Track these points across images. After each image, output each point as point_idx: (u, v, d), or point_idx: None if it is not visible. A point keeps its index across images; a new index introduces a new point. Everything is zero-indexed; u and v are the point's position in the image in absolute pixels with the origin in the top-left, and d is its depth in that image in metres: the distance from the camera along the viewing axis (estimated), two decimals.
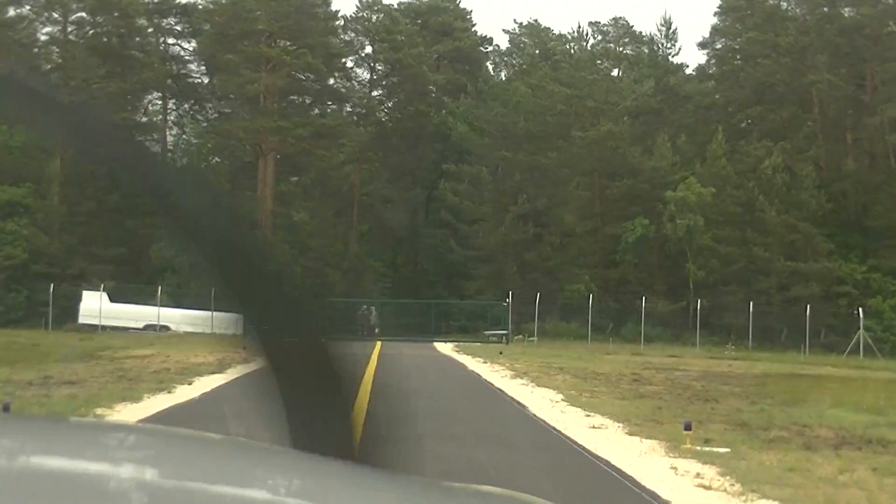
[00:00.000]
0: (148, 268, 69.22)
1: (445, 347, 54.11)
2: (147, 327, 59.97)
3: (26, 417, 2.62)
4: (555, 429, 16.49)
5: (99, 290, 60.28)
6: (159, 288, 61.73)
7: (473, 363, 38.10)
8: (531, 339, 62.18)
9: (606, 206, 75.70)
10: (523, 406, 20.37)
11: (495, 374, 30.78)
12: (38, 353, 35.04)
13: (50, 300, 59.74)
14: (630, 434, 16.08)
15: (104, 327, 59.15)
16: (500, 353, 43.12)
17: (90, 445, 1.56)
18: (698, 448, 14.31)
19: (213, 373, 26.80)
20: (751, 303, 62.70)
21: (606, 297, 69.49)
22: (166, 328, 60.56)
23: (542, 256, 73.79)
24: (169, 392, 21.59)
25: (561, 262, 73.72)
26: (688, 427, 14.48)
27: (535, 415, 18.75)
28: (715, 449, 14.37)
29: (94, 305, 59.84)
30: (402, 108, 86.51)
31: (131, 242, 68.97)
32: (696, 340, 61.92)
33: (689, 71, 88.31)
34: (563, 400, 21.96)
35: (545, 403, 21.13)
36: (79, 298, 61.21)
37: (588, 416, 18.79)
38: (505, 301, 64.46)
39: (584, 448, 14.32)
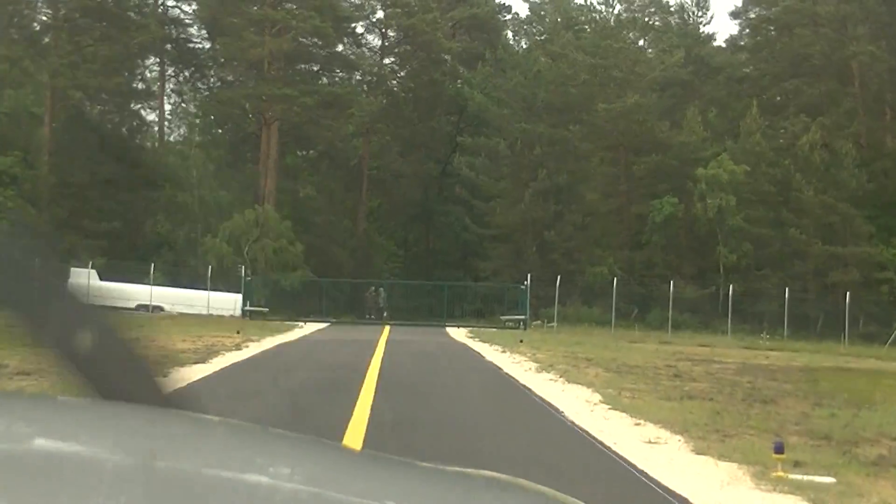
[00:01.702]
0: (143, 244, 67.11)
1: (459, 333, 51.72)
2: (139, 307, 57.43)
3: (16, 396, 2.41)
4: (602, 444, 13.50)
5: (87, 268, 57.90)
6: (152, 265, 59.27)
7: (491, 352, 35.43)
8: (550, 324, 59.66)
9: (632, 184, 73.60)
10: (557, 410, 17.39)
11: (517, 367, 27.88)
12: (8, 335, 32.50)
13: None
14: (697, 452, 13.11)
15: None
16: (521, 340, 40.38)
17: (83, 426, 1.60)
18: (794, 477, 11.34)
19: (196, 362, 24.32)
20: (786, 289, 60.24)
21: (631, 280, 67.27)
22: (160, 309, 58.36)
23: (562, 236, 71.23)
24: None
25: (583, 242, 71.51)
26: (779, 449, 11.45)
27: (574, 423, 15.77)
28: (815, 478, 11.39)
29: (83, 283, 57.22)
30: (415, 77, 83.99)
31: (125, 216, 66.94)
32: (727, 328, 59.44)
33: (720, 42, 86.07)
34: (601, 401, 19.04)
35: (582, 406, 18.20)
36: (67, 275, 58.53)
37: (637, 424, 15.86)
38: (523, 283, 61.88)
39: (646, 475, 11.34)
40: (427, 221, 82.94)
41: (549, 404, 18.27)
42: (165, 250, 67.36)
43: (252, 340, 35.63)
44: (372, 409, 15.44)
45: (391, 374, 22.23)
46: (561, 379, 23.83)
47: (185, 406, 1.83)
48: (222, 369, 22.93)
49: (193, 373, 21.55)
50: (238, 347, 31.30)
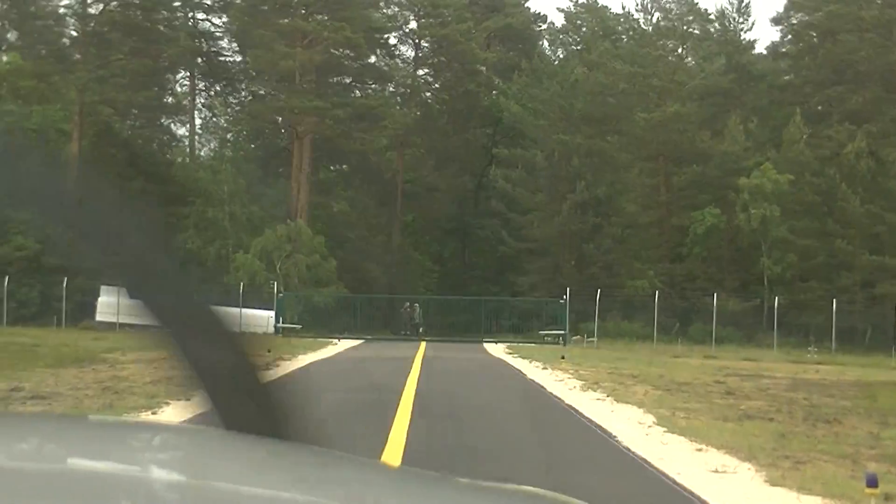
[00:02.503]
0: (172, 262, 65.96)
1: (496, 349, 50.56)
2: None
3: (48, 416, 2.89)
4: (665, 475, 12.17)
5: (118, 285, 56.98)
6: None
7: (531, 369, 34.05)
8: (590, 339, 58.53)
9: (672, 195, 72.28)
10: (610, 435, 16.05)
11: (560, 385, 26.54)
12: (32, 355, 31.69)
13: (63, 295, 56.42)
14: (772, 483, 11.77)
15: (123, 325, 55.97)
16: (562, 357, 38.96)
17: (114, 445, 1.70)
18: None
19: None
20: (833, 301, 58.79)
21: (672, 293, 65.83)
22: None
23: (601, 249, 70.30)
24: (153, 412, 17.62)
25: (622, 255, 70.60)
26: (872, 482, 10.07)
27: (630, 450, 14.44)
28: None
29: (113, 301, 56.44)
30: (449, 88, 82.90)
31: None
32: (772, 342, 57.94)
33: (761, 49, 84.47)
34: (655, 423, 17.71)
35: (636, 429, 16.87)
36: (96, 294, 57.94)
37: (699, 449, 14.53)
38: (561, 298, 60.67)
39: None
40: (463, 235, 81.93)
41: (601, 427, 16.95)
42: (196, 267, 66.44)
43: (283, 359, 34.42)
44: (407, 440, 14.14)
45: (428, 397, 20.93)
46: (609, 398, 22.53)
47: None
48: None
49: None
50: (267, 367, 29.97)
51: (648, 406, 20.68)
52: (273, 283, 59.72)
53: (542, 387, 26.02)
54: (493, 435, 15.30)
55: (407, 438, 14.24)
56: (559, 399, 22.36)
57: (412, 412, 17.51)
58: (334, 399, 20.15)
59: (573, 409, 20.19)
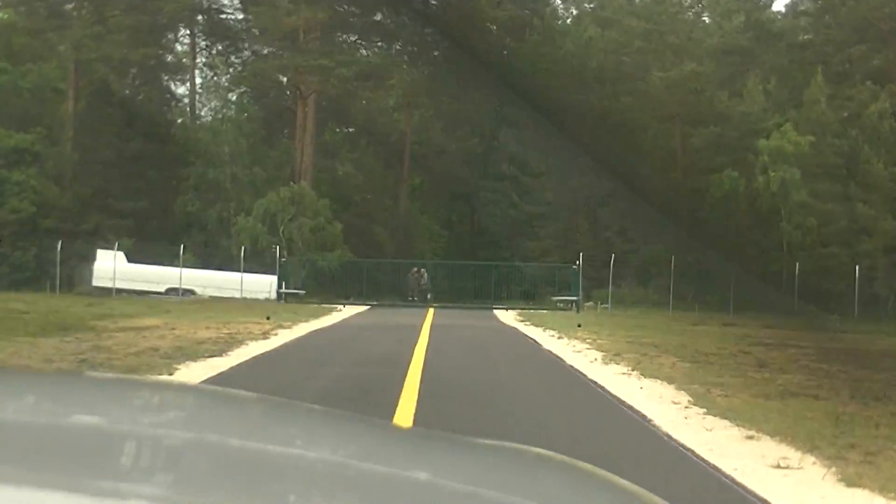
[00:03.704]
0: (172, 224, 64.96)
1: (508, 316, 49.09)
2: (169, 291, 55.75)
3: (54, 374, 2.93)
4: (721, 472, 10.28)
5: (114, 249, 55.74)
6: (182, 247, 56.94)
7: (546, 338, 32.38)
8: (604, 305, 57.70)
9: (689, 157, 70.65)
10: (645, 418, 14.21)
11: (580, 357, 24.74)
12: (18, 323, 30.11)
13: (57, 259, 54.98)
14: (848, 483, 9.92)
15: (120, 291, 54.65)
16: (579, 325, 37.39)
17: (116, 402, 1.77)
18: None
19: (212, 356, 21.44)
20: (855, 267, 57.66)
21: (689, 259, 63.47)
22: (191, 293, 56.15)
23: (615, 214, 68.58)
24: None
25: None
26: None
27: (669, 436, 12.60)
28: None
29: (109, 266, 55.12)
30: (458, 47, 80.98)
31: (154, 195, 64.75)
32: (792, 309, 56.52)
33: (780, 6, 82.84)
34: (691, 402, 15.91)
35: (671, 411, 15.05)
36: (92, 258, 56.52)
37: (749, 436, 12.69)
38: (575, 263, 59.35)
39: None
40: (472, 199, 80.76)
41: (633, 409, 15.10)
42: (196, 231, 65.28)
43: (283, 327, 32.95)
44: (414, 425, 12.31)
45: (437, 372, 19.13)
46: (634, 372, 20.72)
47: None
48: (238, 365, 19.93)
49: (203, 370, 18.66)
50: (266, 336, 28.47)
51: (679, 381, 18.92)
52: (276, 248, 58.40)
53: (561, 359, 24.22)
54: (512, 422, 13.46)
55: (413, 425, 12.42)
56: (581, 374, 20.54)
57: (419, 391, 15.71)
58: (333, 374, 18.41)
59: (598, 385, 18.36)
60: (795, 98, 68.58)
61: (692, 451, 11.44)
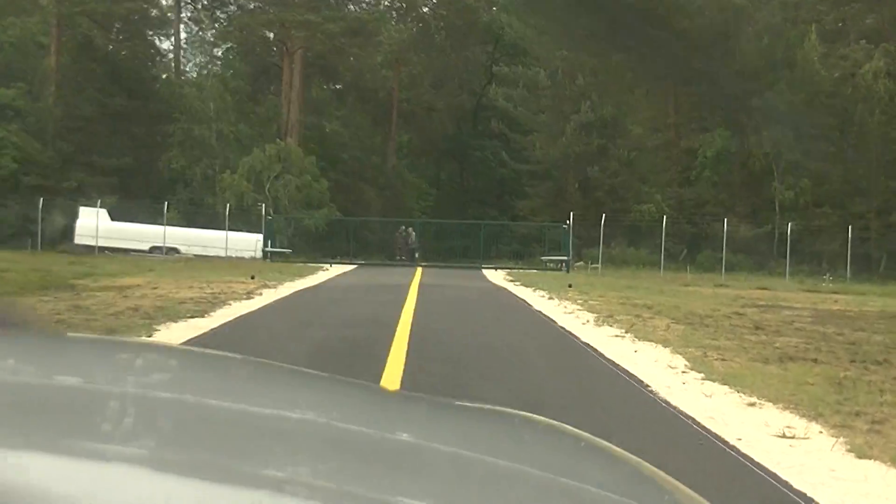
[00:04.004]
0: (156, 181, 64.63)
1: (497, 276, 48.91)
2: (153, 250, 55.51)
3: (35, 335, 2.34)
4: (724, 442, 9.79)
5: (96, 207, 55.29)
6: (166, 204, 56.49)
7: (537, 299, 32.01)
8: (594, 266, 57.57)
9: (682, 116, 70.95)
10: (641, 383, 13.74)
11: (571, 318, 24.30)
12: None
13: (39, 217, 54.52)
14: (858, 454, 9.44)
15: (103, 249, 54.24)
16: (569, 285, 37.23)
17: (98, 363, 1.77)
18: None
19: (193, 316, 21.00)
20: (848, 227, 57.33)
21: (680, 219, 64.61)
22: (175, 251, 56.02)
23: (607, 173, 68.88)
24: None
25: (629, 178, 69.47)
26: None
27: (667, 403, 12.11)
28: None
29: (92, 224, 54.72)
30: (447, 3, 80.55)
31: (137, 152, 64.38)
32: (784, 270, 56.69)
33: None
34: (689, 367, 15.46)
35: (668, 375, 14.60)
36: (75, 215, 56.06)
37: (751, 403, 12.23)
38: (565, 223, 59.13)
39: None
40: (461, 157, 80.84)
41: (628, 374, 14.64)
42: (181, 188, 64.95)
43: (268, 286, 32.57)
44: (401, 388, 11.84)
45: (425, 334, 18.66)
46: (628, 335, 20.28)
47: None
48: (220, 326, 19.44)
49: (184, 331, 18.16)
50: (250, 296, 28.01)
51: (675, 345, 18.48)
52: (261, 205, 57.97)
53: (552, 320, 23.76)
54: (506, 387, 12.98)
55: (400, 388, 11.95)
56: (574, 336, 20.06)
57: (407, 354, 15.24)
58: (317, 337, 17.92)
59: (592, 349, 17.90)
60: (789, 57, 67.91)
61: (693, 420, 10.96)
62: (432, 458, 1.48)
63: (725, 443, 9.77)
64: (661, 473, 1.78)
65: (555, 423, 1.84)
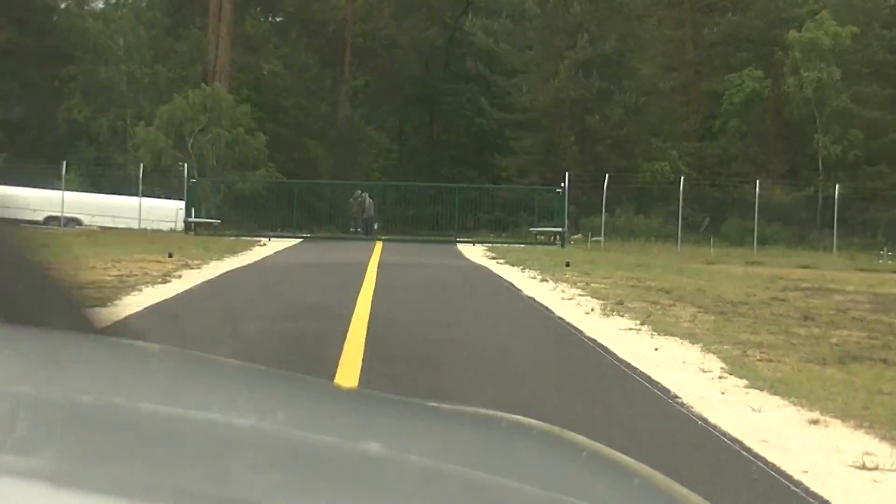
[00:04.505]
0: (54, 136, 64.64)
1: (475, 252, 48.92)
2: (49, 220, 55.28)
3: None
4: (785, 476, 9.06)
5: None
6: (64, 165, 56.20)
7: (526, 281, 31.71)
8: (595, 239, 57.71)
9: (702, 52, 71.52)
10: (667, 394, 13.00)
11: (571, 306, 23.73)
12: None
13: None
14: None
15: None
16: (567, 264, 36.84)
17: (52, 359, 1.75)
18: None
19: (92, 306, 19.93)
20: None
21: (701, 180, 65.10)
22: (76, 222, 55.97)
23: (610, 123, 68.53)
24: None
25: (637, 130, 69.73)
26: None
27: (705, 420, 11.37)
28: None
29: None
30: None
31: (30, 100, 63.95)
32: (830, 243, 56.97)
33: None
34: (725, 370, 14.83)
35: (701, 382, 13.94)
36: None
37: (814, 420, 11.49)
38: (559, 186, 59.05)
39: None
40: (430, 105, 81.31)
41: (649, 380, 13.95)
42: (84, 144, 64.98)
43: (190, 266, 32.28)
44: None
45: (386, 328, 18.10)
46: (644, 327, 19.70)
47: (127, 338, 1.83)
48: (124, 319, 18.71)
49: None
50: (166, 279, 27.46)
51: (704, 340, 17.92)
52: (183, 166, 57.65)
53: (547, 309, 23.20)
54: (491, 398, 12.27)
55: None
56: (576, 330, 19.43)
57: (364, 356, 14.61)
58: (249, 332, 17.27)
59: (598, 346, 17.25)
60: None
61: (740, 444, 10.26)
62: (406, 472, 1.43)
63: (788, 477, 9.09)
64: (678, 487, 1.69)
65: (551, 427, 1.81)
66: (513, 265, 39.14)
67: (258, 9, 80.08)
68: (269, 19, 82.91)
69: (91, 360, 1.75)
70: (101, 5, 75.84)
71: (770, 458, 9.71)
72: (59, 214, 55.40)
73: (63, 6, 77.04)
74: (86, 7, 77.20)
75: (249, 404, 1.59)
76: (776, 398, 12.85)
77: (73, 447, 1.28)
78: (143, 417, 1.42)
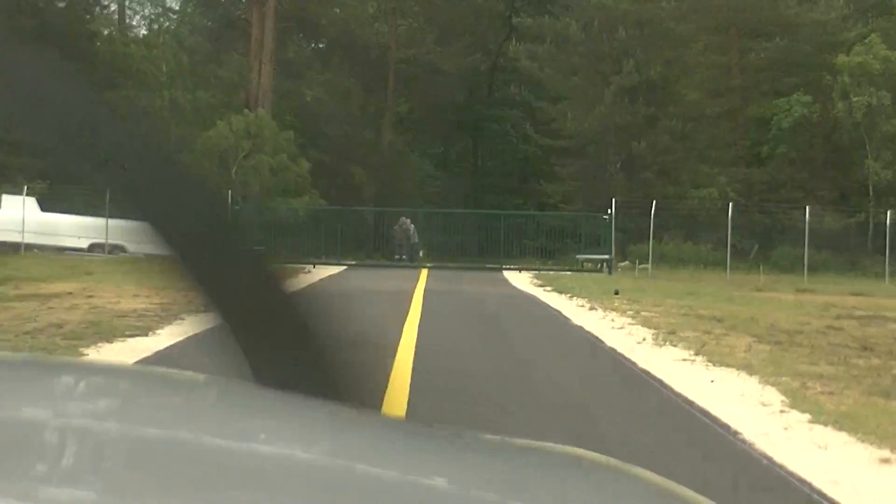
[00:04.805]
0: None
1: (521, 279, 48.92)
2: (93, 247, 55.34)
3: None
4: None
5: (23, 195, 55.08)
6: (108, 191, 55.89)
7: (575, 310, 31.27)
8: (643, 266, 57.27)
9: (748, 77, 71.07)
10: (724, 427, 12.63)
11: (622, 336, 23.35)
12: None
13: None
14: None
15: (31, 246, 54.06)
16: (616, 292, 36.54)
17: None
18: None
19: (135, 334, 20.38)
20: None
21: (750, 206, 64.39)
22: (121, 249, 55.28)
23: (656, 149, 68.48)
24: None
25: (684, 156, 69.38)
26: None
27: (770, 460, 10.92)
28: None
29: (17, 216, 54.44)
30: None
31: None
32: (883, 270, 56.49)
33: None
34: (786, 403, 14.43)
35: (762, 416, 13.54)
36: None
37: (885, 460, 11.07)
38: (605, 213, 58.99)
39: None
40: (474, 131, 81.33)
41: (707, 415, 13.53)
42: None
43: None
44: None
45: (436, 361, 17.81)
46: (699, 358, 19.32)
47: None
48: (169, 347, 18.42)
49: (120, 354, 17.45)
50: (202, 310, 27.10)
51: (762, 372, 17.48)
52: (226, 192, 57.49)
53: (598, 339, 22.81)
54: (549, 436, 11.84)
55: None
56: (629, 361, 19.02)
57: (410, 395, 14.24)
58: None
59: (654, 378, 16.84)
60: (883, 2, 68.16)
61: (809, 486, 9.83)
62: None
63: None
64: None
65: (619, 463, 1.71)
66: (560, 293, 38.83)
67: (300, 35, 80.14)
68: (312, 45, 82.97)
69: (133, 392, 1.74)
70: (143, 32, 76.05)
71: (843, 502, 9.31)
72: (103, 242, 55.02)
73: (106, 33, 77.41)
74: (128, 34, 77.58)
75: (296, 434, 1.53)
76: (842, 434, 12.43)
77: (118, 480, 1.26)
78: (189, 449, 1.38)
